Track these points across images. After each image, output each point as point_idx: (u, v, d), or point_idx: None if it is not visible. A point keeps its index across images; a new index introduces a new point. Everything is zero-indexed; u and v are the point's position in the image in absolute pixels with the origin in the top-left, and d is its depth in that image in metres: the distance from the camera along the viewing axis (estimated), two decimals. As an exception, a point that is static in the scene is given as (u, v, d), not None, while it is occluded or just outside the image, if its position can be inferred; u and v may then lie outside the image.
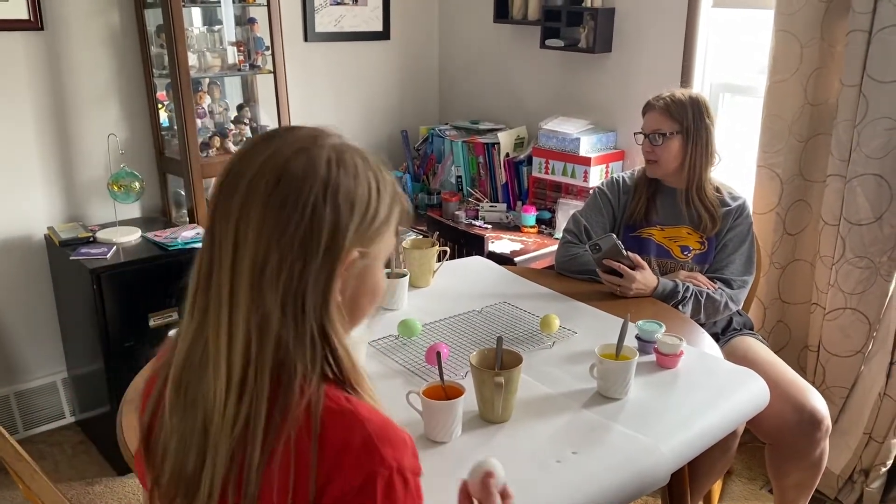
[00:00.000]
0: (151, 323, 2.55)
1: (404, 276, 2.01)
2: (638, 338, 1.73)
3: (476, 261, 2.40)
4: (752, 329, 2.30)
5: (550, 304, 2.02)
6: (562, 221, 2.99)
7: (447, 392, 1.43)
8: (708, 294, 2.10)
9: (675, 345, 1.67)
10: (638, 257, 2.08)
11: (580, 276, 2.19)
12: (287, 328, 0.82)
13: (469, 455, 1.36)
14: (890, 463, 2.36)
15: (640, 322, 1.76)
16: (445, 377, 1.46)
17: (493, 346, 1.52)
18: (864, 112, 2.24)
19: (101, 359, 2.50)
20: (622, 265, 2.05)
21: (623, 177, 2.34)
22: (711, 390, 1.58)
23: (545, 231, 3.05)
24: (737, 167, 2.71)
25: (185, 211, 3.04)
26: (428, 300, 2.06)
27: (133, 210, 2.92)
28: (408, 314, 1.93)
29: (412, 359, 1.72)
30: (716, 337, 2.15)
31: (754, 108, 2.66)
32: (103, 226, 2.76)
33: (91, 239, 2.63)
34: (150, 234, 2.68)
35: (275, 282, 0.81)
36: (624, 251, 2.05)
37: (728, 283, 2.16)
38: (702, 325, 2.05)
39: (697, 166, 2.17)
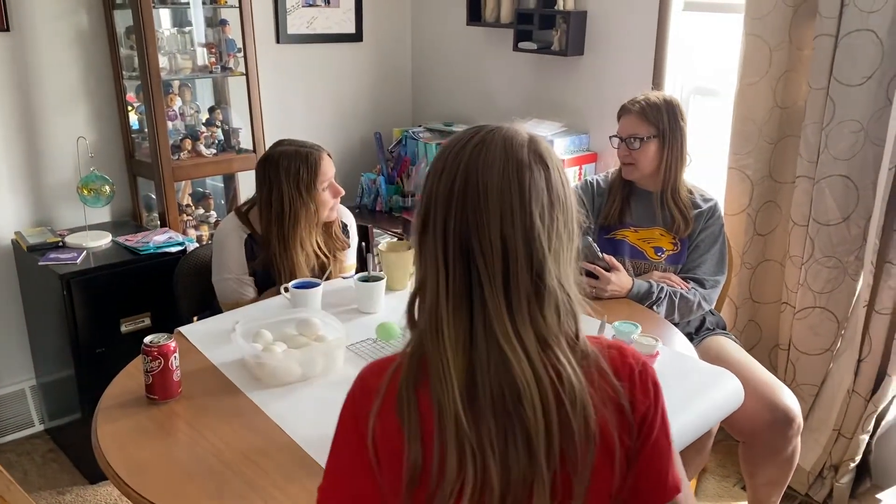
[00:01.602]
0: (123, 329, 2.51)
1: (381, 279, 2.00)
2: (614, 339, 1.75)
3: (452, 263, 2.40)
4: (724, 328, 2.33)
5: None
6: (536, 223, 3.00)
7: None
8: (682, 294, 2.13)
9: (650, 345, 1.69)
10: (613, 259, 2.10)
11: None
12: (564, 302, 0.92)
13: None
14: (858, 458, 2.40)
15: (616, 323, 1.77)
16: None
17: None
18: (831, 115, 2.29)
19: (72, 365, 2.46)
20: (598, 267, 2.06)
21: (597, 179, 2.36)
22: (687, 390, 1.60)
23: (519, 233, 3.06)
24: (704, 169, 2.74)
25: (155, 214, 3.00)
26: (404, 303, 2.05)
27: (103, 214, 2.87)
28: (385, 317, 1.93)
29: (390, 362, 1.71)
30: (689, 337, 2.18)
31: (721, 110, 2.70)
32: (72, 230, 2.72)
33: (60, 244, 2.59)
34: (120, 239, 2.64)
35: (554, 267, 0.91)
36: (599, 254, 2.07)
37: (701, 283, 2.19)
38: (675, 324, 2.08)
39: (672, 169, 2.19)
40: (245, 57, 2.88)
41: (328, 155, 2.17)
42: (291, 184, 2.08)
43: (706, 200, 2.28)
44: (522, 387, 0.87)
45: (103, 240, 2.63)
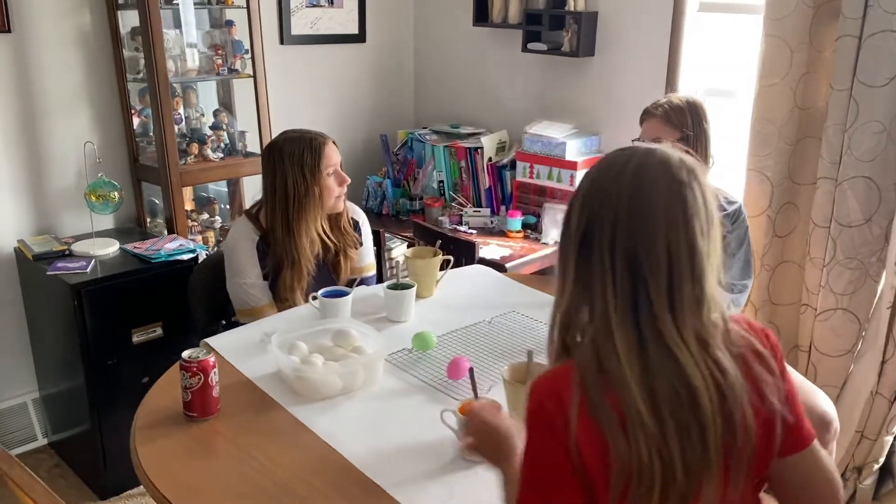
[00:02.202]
0: (135, 339, 2.44)
1: (412, 287, 1.95)
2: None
3: (475, 269, 2.36)
4: (749, 332, 2.32)
5: (560, 313, 1.99)
6: (548, 226, 2.97)
7: (482, 409, 1.39)
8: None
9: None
10: None
11: None
12: (717, 303, 1.00)
13: (510, 474, 1.32)
14: (882, 460, 2.40)
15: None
16: (469, 392, 1.42)
17: (511, 358, 1.50)
18: (854, 116, 2.28)
19: (82, 377, 2.38)
20: None
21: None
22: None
23: (531, 236, 3.03)
24: (721, 170, 2.72)
25: (160, 220, 2.92)
26: (434, 311, 2.01)
27: (106, 221, 2.79)
28: (416, 326, 1.88)
29: (431, 373, 1.67)
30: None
31: (737, 111, 2.69)
32: (77, 238, 2.63)
33: (66, 252, 2.50)
34: (129, 246, 2.57)
35: (710, 274, 0.99)
36: None
37: (729, 288, 2.17)
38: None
39: None
40: (252, 58, 2.81)
41: (333, 142, 2.13)
42: (296, 168, 2.05)
43: (731, 203, 2.26)
44: (698, 386, 0.95)
45: (111, 248, 2.56)
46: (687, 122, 2.16)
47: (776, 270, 2.64)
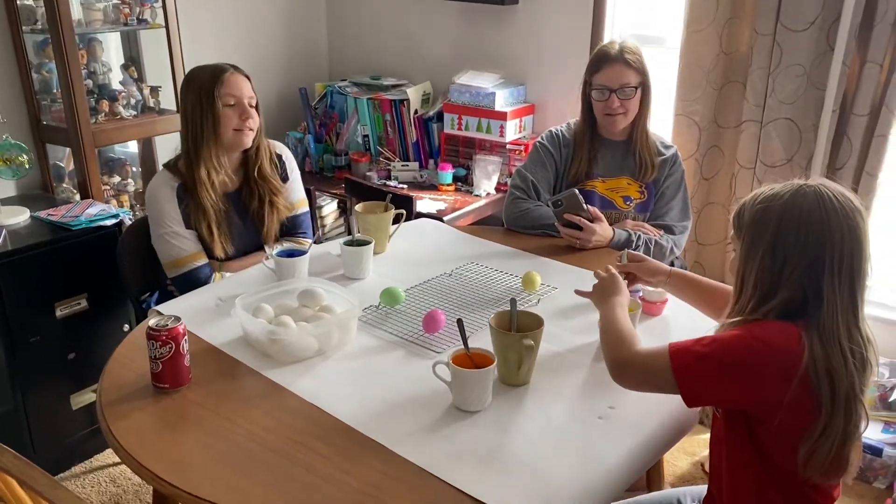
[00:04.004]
0: (58, 313, 2.26)
1: (369, 243, 1.90)
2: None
3: (422, 223, 2.32)
4: (687, 269, 2.41)
5: (516, 262, 1.99)
6: (479, 178, 2.96)
7: (474, 360, 1.37)
8: (656, 241, 2.16)
9: (660, 293, 1.71)
10: (597, 210, 2.10)
11: (532, 231, 2.18)
12: None
13: (508, 421, 1.32)
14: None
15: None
16: (447, 344, 1.40)
17: (481, 309, 1.55)
18: (778, 60, 2.38)
19: (2, 356, 2.18)
20: (582, 219, 2.06)
21: (561, 130, 2.34)
22: (703, 323, 1.62)
23: (463, 188, 3.01)
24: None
25: (65, 185, 2.71)
26: (391, 267, 1.97)
27: (6, 188, 2.56)
28: (375, 283, 1.84)
29: (405, 328, 1.63)
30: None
31: (658, 58, 2.75)
32: (-22, 207, 2.40)
33: (-30, 223, 2.28)
34: (41, 214, 2.36)
35: None
36: (584, 205, 2.06)
37: (670, 230, 2.24)
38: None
39: (645, 116, 2.21)
40: (164, 7, 2.62)
41: (247, 77, 2.07)
42: (194, 93, 2.01)
43: (667, 147, 2.31)
44: None
45: (21, 216, 2.35)
46: (644, 66, 2.18)
47: (702, 212, 2.74)
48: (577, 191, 2.06)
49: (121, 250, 2.13)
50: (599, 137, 2.30)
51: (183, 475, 1.18)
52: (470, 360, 1.37)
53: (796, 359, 1.15)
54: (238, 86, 2.03)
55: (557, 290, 1.83)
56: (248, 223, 2.10)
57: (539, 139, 2.34)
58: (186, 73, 2.08)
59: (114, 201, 2.73)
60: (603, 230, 2.08)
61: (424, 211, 2.75)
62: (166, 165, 2.09)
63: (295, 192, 2.23)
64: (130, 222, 2.32)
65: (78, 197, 2.60)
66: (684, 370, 1.22)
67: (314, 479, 1.18)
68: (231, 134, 2.02)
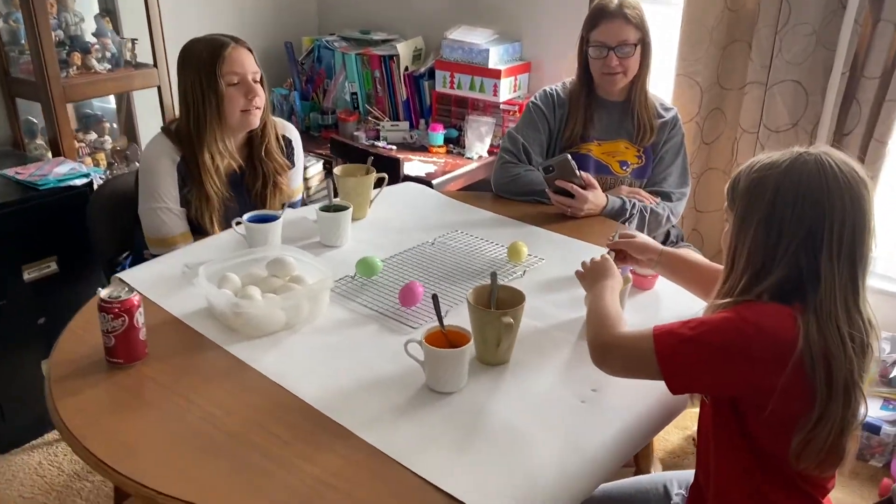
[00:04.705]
0: (26, 277, 2.17)
1: (347, 208, 1.80)
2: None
3: (407, 187, 2.21)
4: (683, 240, 2.31)
5: (504, 231, 1.89)
6: (472, 140, 2.85)
7: (449, 338, 1.28)
8: (651, 209, 2.06)
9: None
10: (590, 177, 1.99)
11: (522, 197, 2.08)
12: None
13: (483, 403, 1.24)
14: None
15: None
16: (424, 319, 1.31)
17: (463, 281, 1.46)
18: (786, 17, 2.25)
19: (-33, 323, 2.10)
20: (574, 186, 1.95)
21: (556, 90, 2.22)
22: (693, 301, 1.53)
23: (454, 150, 2.90)
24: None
25: (39, 142, 2.59)
26: (371, 234, 1.87)
27: (-25, 143, 2.45)
28: (353, 251, 1.74)
29: (381, 301, 1.54)
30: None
31: (664, 14, 2.61)
32: (-58, 164, 2.30)
33: (-68, 181, 2.18)
34: (8, 172, 2.25)
35: None
36: (577, 171, 1.95)
37: (667, 197, 2.13)
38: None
39: (644, 76, 2.09)
40: (139, -47, 2.47)
41: (249, 49, 1.89)
42: (194, 72, 1.83)
43: (667, 109, 2.20)
44: None
45: (-14, 174, 2.24)
46: (644, 22, 2.06)
47: (702, 178, 2.63)
48: (569, 156, 1.95)
49: (91, 212, 2.03)
50: (596, 98, 2.18)
51: (130, 460, 1.10)
52: (445, 338, 1.28)
53: (790, 344, 1.06)
54: (241, 61, 1.85)
55: (544, 261, 1.73)
56: (247, 206, 1.91)
57: (532, 99, 2.22)
58: (182, 48, 1.89)
59: (89, 159, 2.62)
60: (595, 198, 1.97)
61: (413, 174, 2.64)
62: (165, 130, 1.92)
63: (294, 181, 2.11)
64: (102, 182, 2.21)
65: (51, 155, 2.48)
66: (668, 354, 1.13)
67: (271, 466, 1.09)
68: (238, 116, 1.86)
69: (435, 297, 1.31)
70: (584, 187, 1.96)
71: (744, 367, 1.09)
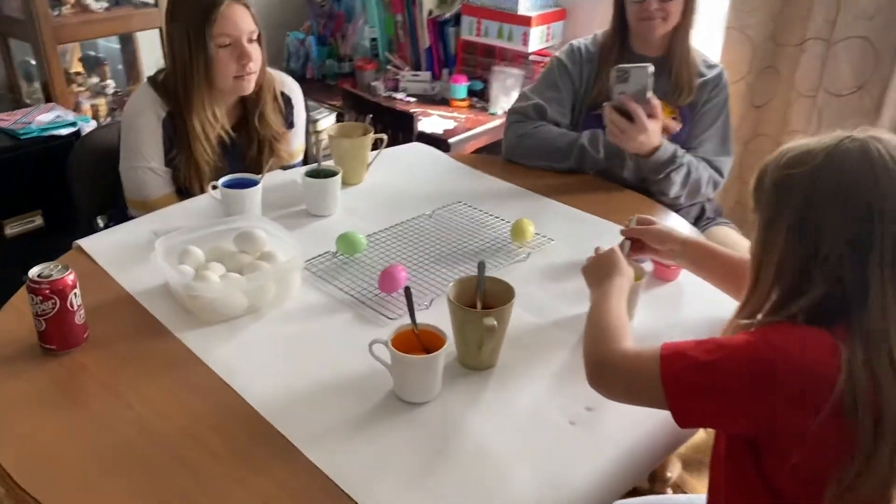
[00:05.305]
0: (9, 232, 2.06)
1: (336, 174, 1.61)
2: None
3: (414, 148, 2.01)
4: (721, 215, 2.07)
5: (514, 203, 1.68)
6: (497, 94, 2.62)
7: (421, 339, 1.10)
8: (697, 166, 1.81)
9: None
10: (658, 106, 1.71)
11: (534, 161, 1.86)
12: None
13: (457, 419, 1.06)
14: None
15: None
16: (405, 309, 1.12)
17: (456, 263, 1.30)
18: (857, -37, 1.95)
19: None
20: (639, 110, 1.67)
21: (583, 44, 1.96)
22: (725, 298, 1.31)
23: (478, 105, 2.67)
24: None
25: (37, 86, 2.45)
26: (364, 202, 1.68)
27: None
28: (341, 224, 1.56)
29: (360, 284, 1.36)
30: (688, 227, 1.90)
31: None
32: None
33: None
34: (-7, 119, 2.13)
35: None
36: (649, 94, 1.68)
37: (705, 167, 1.88)
38: (676, 211, 1.80)
39: (687, 26, 1.83)
40: None
41: (245, 5, 1.67)
42: (182, 26, 1.63)
43: (710, 67, 1.93)
44: None
45: (-30, 120, 2.11)
46: None
47: (749, 145, 2.36)
48: (651, 68, 1.67)
49: (73, 164, 1.88)
50: (630, 52, 1.92)
51: (35, 472, 0.95)
52: (417, 339, 1.10)
53: (828, 379, 0.85)
54: (234, 21, 1.63)
55: (554, 242, 1.52)
56: (241, 173, 1.69)
57: (555, 55, 1.97)
58: None
59: (88, 105, 2.47)
60: (651, 134, 1.70)
61: (428, 131, 2.44)
62: (152, 81, 1.74)
63: (296, 141, 1.92)
64: (86, 134, 2.06)
65: (43, 99, 2.35)
66: (676, 380, 0.92)
67: (195, 492, 0.94)
68: (229, 82, 1.67)
69: (407, 291, 1.13)
70: (649, 116, 1.70)
71: (767, 405, 0.88)
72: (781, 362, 0.87)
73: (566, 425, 1.05)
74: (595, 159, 1.82)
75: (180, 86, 1.67)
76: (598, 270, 1.20)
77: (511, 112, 1.91)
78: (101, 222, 2.04)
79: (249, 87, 1.71)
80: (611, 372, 1.00)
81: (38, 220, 2.09)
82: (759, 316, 0.93)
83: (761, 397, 0.88)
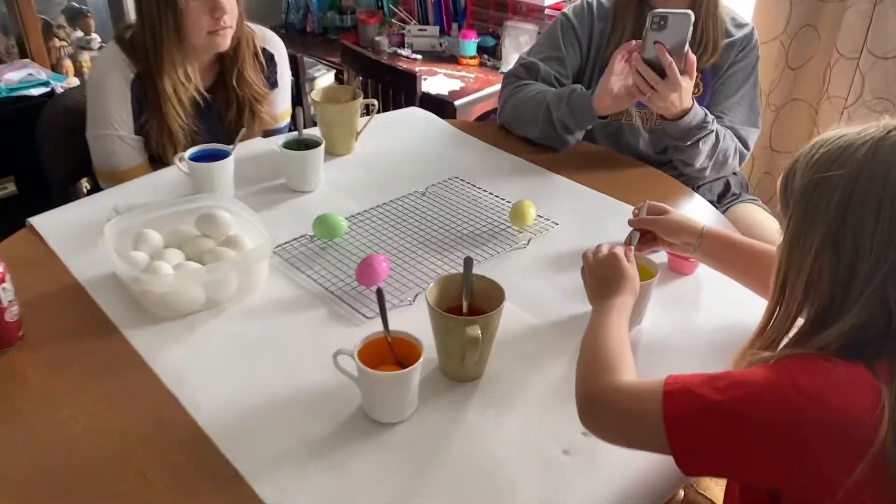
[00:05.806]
0: (-21, 200, 1.93)
1: (318, 145, 1.45)
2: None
3: (410, 114, 1.84)
4: (748, 190, 1.88)
5: (515, 179, 1.52)
6: (510, 51, 2.43)
7: (395, 349, 0.95)
8: (725, 135, 1.63)
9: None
10: (694, 60, 1.50)
11: (515, 131, 1.68)
12: None
13: (432, 444, 0.92)
14: None
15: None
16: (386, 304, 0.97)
17: (446, 251, 1.08)
18: None
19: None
20: (674, 64, 1.46)
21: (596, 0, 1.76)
22: (750, 296, 1.14)
23: (488, 63, 2.48)
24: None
25: (14, 42, 2.30)
26: (351, 176, 1.53)
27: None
28: (324, 202, 1.41)
29: (335, 275, 1.21)
30: (712, 205, 1.71)
31: None
32: None
33: None
34: (-38, 77, 1.98)
35: None
36: (687, 47, 1.47)
37: (731, 137, 1.69)
38: (696, 189, 1.62)
39: None
40: None
41: None
42: None
43: (739, 26, 1.72)
44: None
45: (-64, 78, 1.97)
46: None
47: (783, 111, 2.16)
48: (692, 17, 1.45)
49: (42, 128, 1.74)
50: (650, 7, 1.72)
51: (-59, 506, 0.83)
52: (390, 349, 0.95)
53: (868, 427, 0.70)
54: None
55: (558, 227, 1.36)
56: (220, 137, 1.57)
57: (562, 12, 1.77)
58: None
59: (69, 62, 2.32)
60: (685, 93, 1.50)
61: (433, 92, 2.26)
62: (119, 39, 1.57)
63: (281, 103, 1.75)
64: (57, 95, 1.91)
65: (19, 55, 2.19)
66: (681, 422, 0.77)
67: (124, 530, 0.81)
68: (203, 37, 1.50)
69: (380, 293, 0.97)
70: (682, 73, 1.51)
71: (791, 458, 0.72)
72: (810, 408, 0.71)
73: (558, 456, 0.91)
74: (563, 124, 1.59)
75: (149, 43, 1.51)
76: (598, 282, 1.03)
77: (510, 75, 1.73)
78: (86, 186, 1.91)
79: (225, 42, 1.54)
80: (605, 409, 0.84)
81: (12, 187, 1.96)
82: (782, 345, 0.78)
83: (784, 450, 0.72)
